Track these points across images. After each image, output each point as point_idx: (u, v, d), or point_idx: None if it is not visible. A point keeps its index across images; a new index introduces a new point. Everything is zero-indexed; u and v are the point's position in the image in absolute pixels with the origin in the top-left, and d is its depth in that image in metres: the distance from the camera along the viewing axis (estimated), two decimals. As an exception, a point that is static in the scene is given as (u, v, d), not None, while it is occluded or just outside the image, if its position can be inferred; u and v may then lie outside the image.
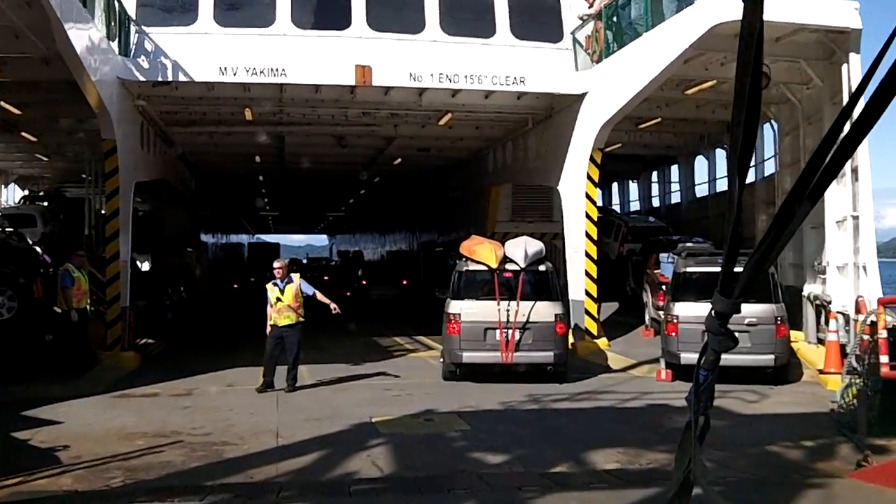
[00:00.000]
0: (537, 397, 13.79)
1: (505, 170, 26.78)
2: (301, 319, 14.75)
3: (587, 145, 19.42)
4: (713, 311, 2.11)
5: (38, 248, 19.11)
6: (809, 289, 17.70)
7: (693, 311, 14.59)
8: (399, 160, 31.59)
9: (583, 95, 19.53)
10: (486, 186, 28.21)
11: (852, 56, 15.90)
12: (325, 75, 18.99)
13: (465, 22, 20.56)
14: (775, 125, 20.16)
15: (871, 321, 13.20)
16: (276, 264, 15.11)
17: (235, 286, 40.17)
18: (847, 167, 15.82)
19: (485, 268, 15.82)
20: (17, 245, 17.43)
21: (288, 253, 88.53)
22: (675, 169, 31.26)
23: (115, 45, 17.58)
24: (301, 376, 15.08)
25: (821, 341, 17.03)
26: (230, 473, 8.91)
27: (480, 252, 16.11)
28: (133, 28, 18.65)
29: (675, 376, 15.43)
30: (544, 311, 15.41)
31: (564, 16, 20.88)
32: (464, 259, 16.39)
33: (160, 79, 18.35)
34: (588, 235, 19.67)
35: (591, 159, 19.39)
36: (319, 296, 15.10)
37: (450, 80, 19.15)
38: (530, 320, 15.24)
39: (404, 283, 40.39)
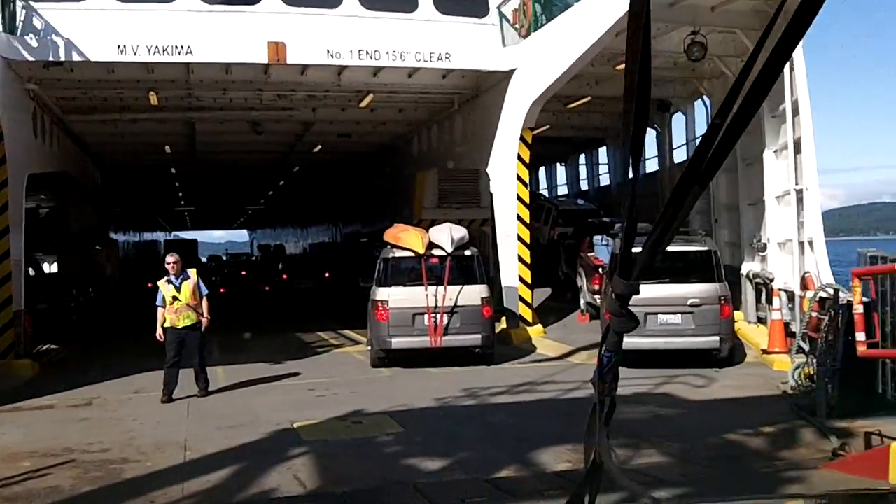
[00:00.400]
0: (474, 391, 12.91)
1: (430, 154, 25.80)
2: (203, 318, 13.30)
3: (517, 125, 18.61)
4: (612, 294, 2.11)
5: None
6: (748, 267, 17.23)
7: (635, 293, 13.87)
8: (319, 147, 30.40)
9: (511, 72, 18.70)
10: (411, 173, 27.13)
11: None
12: (235, 53, 17.82)
13: (385, -4, 19.49)
14: (708, 101, 19.63)
15: (820, 297, 12.69)
16: (168, 259, 13.62)
17: (150, 285, 38.21)
18: (789, 140, 15.29)
19: (411, 254, 15.99)
20: None
21: (207, 250, 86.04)
22: (603, 151, 30.76)
23: (-2, 21, 15.95)
24: (215, 378, 13.88)
25: (761, 320, 16.56)
26: (127, 498, 7.73)
27: (406, 239, 16.30)
28: (20, 3, 17.03)
29: (617, 362, 14.70)
30: (471, 294, 15.67)
31: (490, -10, 20.01)
32: (389, 247, 16.44)
33: (52, 58, 16.75)
34: (520, 218, 18.96)
35: (522, 139, 18.63)
36: (205, 303, 13.41)
37: (370, 57, 18.11)
38: (458, 304, 15.50)
39: (326, 275, 39.25)
